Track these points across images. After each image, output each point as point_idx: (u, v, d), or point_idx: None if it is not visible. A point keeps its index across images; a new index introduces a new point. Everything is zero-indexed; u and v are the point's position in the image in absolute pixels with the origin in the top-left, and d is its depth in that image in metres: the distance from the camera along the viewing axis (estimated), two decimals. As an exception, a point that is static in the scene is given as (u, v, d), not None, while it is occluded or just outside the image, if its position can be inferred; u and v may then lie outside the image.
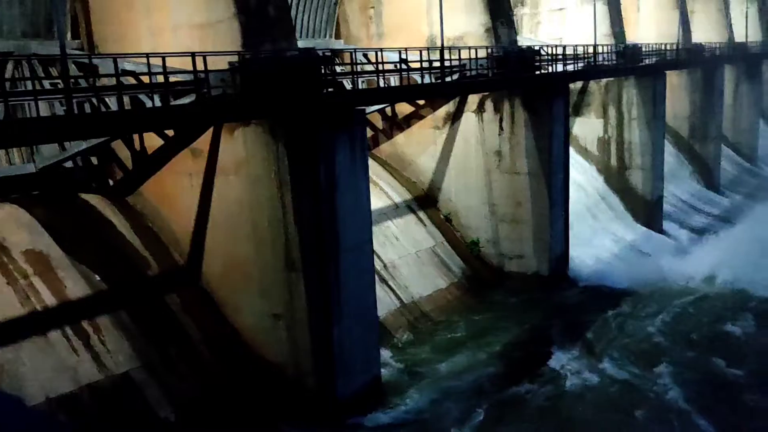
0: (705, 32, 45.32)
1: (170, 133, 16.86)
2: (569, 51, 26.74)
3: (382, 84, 19.58)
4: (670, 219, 34.03)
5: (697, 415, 15.79)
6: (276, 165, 15.36)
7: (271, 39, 16.06)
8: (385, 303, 20.63)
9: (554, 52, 25.98)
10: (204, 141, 16.44)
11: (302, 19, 24.90)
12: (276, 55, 15.60)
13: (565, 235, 25.33)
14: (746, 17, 51.45)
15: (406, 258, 23.12)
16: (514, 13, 31.85)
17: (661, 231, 32.40)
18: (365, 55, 22.10)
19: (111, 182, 18.28)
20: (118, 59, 13.43)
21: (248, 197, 15.92)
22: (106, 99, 13.87)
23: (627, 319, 21.96)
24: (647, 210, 32.32)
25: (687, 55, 38.15)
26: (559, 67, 26.32)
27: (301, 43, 21.02)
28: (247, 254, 16.22)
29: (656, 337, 20.42)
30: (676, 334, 20.57)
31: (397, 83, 20.38)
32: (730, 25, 47.65)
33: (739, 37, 49.06)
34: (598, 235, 29.37)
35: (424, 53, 21.00)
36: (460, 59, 21.94)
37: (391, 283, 21.87)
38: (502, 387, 17.50)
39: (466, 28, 24.48)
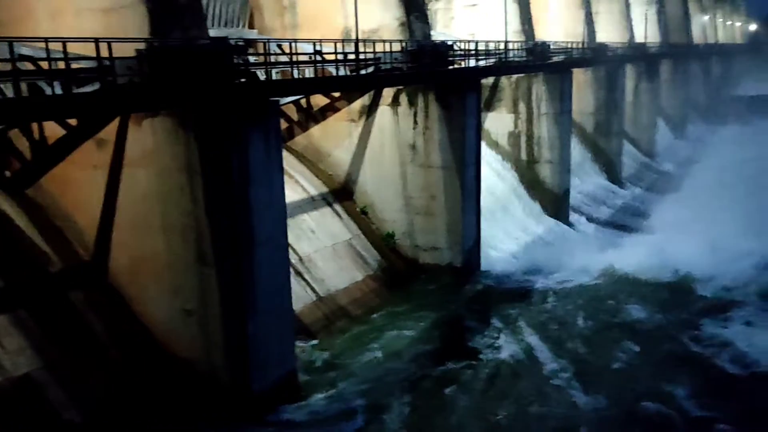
0: (608, 32, 47.57)
1: (73, 122, 16.14)
2: (481, 47, 27.36)
3: (296, 75, 19.43)
4: (576, 211, 35.56)
5: (575, 386, 17.18)
6: (187, 156, 15.01)
7: (181, 27, 15.63)
8: (300, 297, 20.55)
9: (467, 48, 26.51)
10: (110, 131, 15.85)
11: (214, 8, 24.32)
12: (186, 44, 15.21)
13: (477, 228, 25.97)
14: (646, 19, 54.41)
15: (322, 251, 23.09)
16: (429, 7, 32.31)
17: (568, 223, 33.79)
18: (279, 46, 21.85)
19: (8, 174, 17.31)
20: (14, 43, 12.70)
21: (157, 189, 15.48)
22: (2, 86, 13.11)
23: (532, 306, 22.93)
24: (555, 202, 33.65)
25: (592, 54, 39.92)
26: (472, 63, 26.90)
27: (213, 32, 20.56)
28: (156, 248, 15.79)
29: (554, 323, 21.46)
30: (573, 318, 21.81)
31: (312, 75, 20.28)
32: (631, 26, 50.20)
33: (639, 38, 51.80)
34: (509, 227, 30.27)
35: (339, 45, 20.97)
36: (374, 52, 22.06)
37: (307, 276, 21.79)
38: (418, 375, 17.85)
39: (381, 21, 24.62)
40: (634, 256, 25.91)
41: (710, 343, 19.55)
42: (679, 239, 25.86)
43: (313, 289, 21.63)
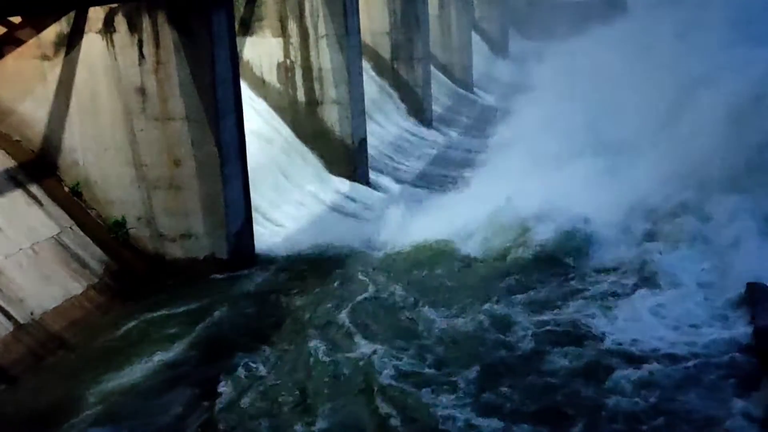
0: None
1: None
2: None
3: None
4: (377, 167, 37.13)
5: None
6: None
7: None
8: (-11, 328, 19.35)
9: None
10: None
11: None
12: None
13: (245, 201, 26.11)
14: None
15: (16, 256, 21.84)
16: None
17: (367, 183, 35.27)
18: None
19: None
20: None
21: None
22: None
23: (328, 299, 23.63)
24: (348, 158, 34.80)
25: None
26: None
27: None
28: None
29: (358, 320, 22.25)
30: (377, 311, 22.82)
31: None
32: None
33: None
34: (289, 197, 30.88)
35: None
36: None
37: (-5, 296, 20.54)
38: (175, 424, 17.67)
39: None
40: (450, 222, 27.61)
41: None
42: (504, 197, 27.90)
43: (7, 314, 20.46)
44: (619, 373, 18.51)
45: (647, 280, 23.43)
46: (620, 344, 20.05)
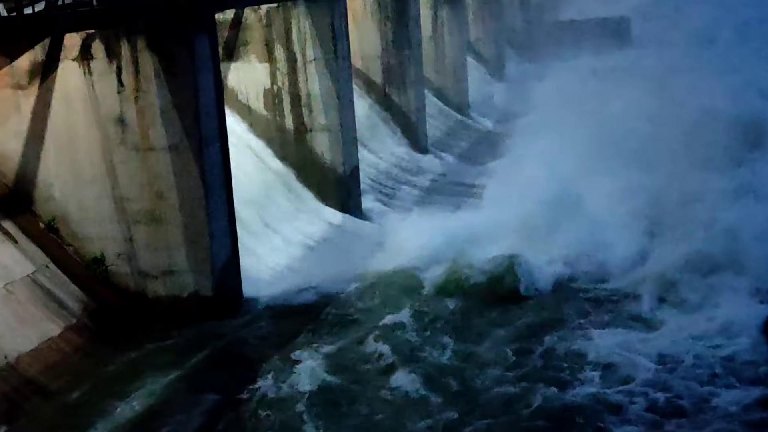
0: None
1: None
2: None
3: None
4: (370, 196, 37.26)
5: None
6: None
7: None
8: (-40, 374, 19.41)
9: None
10: None
11: None
12: None
13: (231, 235, 26.23)
14: None
15: (-11, 297, 21.89)
16: None
17: (360, 214, 35.34)
18: None
19: None
20: None
21: None
22: None
23: (328, 337, 23.77)
24: (340, 187, 34.96)
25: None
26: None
27: None
28: None
29: (351, 372, 22.06)
30: (398, 355, 22.57)
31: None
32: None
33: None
34: (278, 230, 30.90)
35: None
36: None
37: (-33, 340, 20.53)
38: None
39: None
40: (444, 248, 28.08)
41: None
42: (504, 227, 28.21)
43: (-21, 358, 20.48)
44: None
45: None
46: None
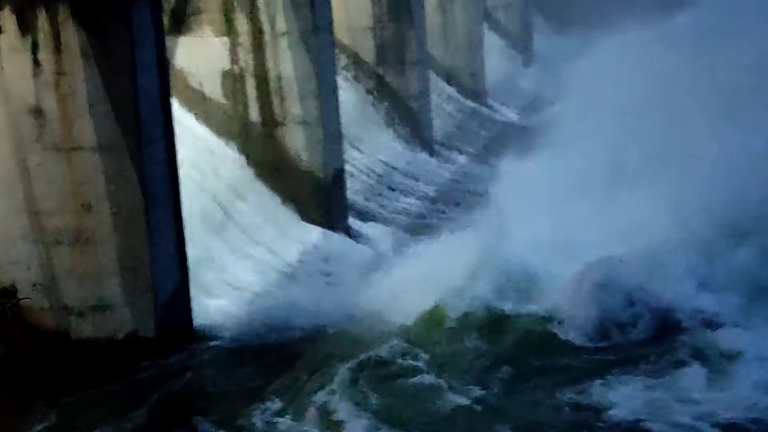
0: None
1: None
2: None
3: None
4: (357, 209, 37.51)
5: None
6: None
7: None
8: None
9: None
10: None
11: None
12: None
13: (180, 259, 26.46)
14: None
15: None
16: None
17: (346, 231, 35.60)
18: None
19: None
20: None
21: None
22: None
23: (295, 388, 24.02)
24: (320, 197, 35.14)
25: None
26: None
27: None
28: None
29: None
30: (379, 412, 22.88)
31: None
32: None
33: None
34: (240, 252, 31.20)
35: None
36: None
37: None
38: None
39: None
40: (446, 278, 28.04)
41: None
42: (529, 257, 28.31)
43: None
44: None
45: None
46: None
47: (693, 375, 23.46)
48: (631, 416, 21.79)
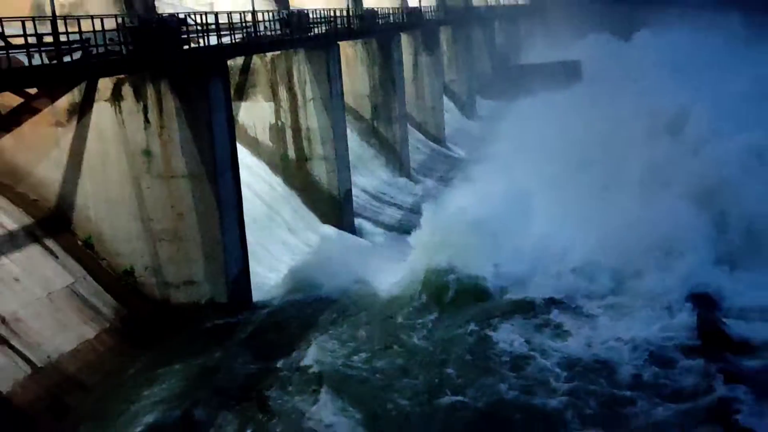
0: (376, -4, 50.15)
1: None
2: (223, 20, 27.34)
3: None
4: (361, 215, 37.09)
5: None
6: None
7: None
8: (8, 371, 19.19)
9: (205, 21, 26.30)
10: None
11: None
12: None
13: (242, 249, 26.13)
14: (417, -21, 58.11)
15: (33, 305, 21.67)
16: (150, -29, 31.45)
17: (353, 230, 35.18)
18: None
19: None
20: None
21: None
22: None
23: (323, 332, 23.83)
24: (335, 207, 34.88)
25: (359, 23, 41.75)
26: (213, 40, 26.73)
27: None
28: None
29: (357, 355, 22.37)
30: (372, 345, 22.96)
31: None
32: (403, -12, 53.51)
33: (412, 1, 55.15)
34: (282, 244, 30.87)
35: (30, 25, 19.55)
36: (81, 33, 20.99)
37: (15, 342, 20.23)
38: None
39: (83, -9, 23.68)
40: (420, 259, 27.93)
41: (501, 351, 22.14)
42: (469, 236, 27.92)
43: (26, 358, 20.19)
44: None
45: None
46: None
47: (555, 322, 23.78)
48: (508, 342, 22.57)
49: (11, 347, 20.02)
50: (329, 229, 33.82)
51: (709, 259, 26.37)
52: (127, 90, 24.13)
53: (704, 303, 24.10)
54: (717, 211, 28.21)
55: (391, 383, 20.71)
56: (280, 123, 34.52)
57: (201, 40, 25.88)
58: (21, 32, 19.21)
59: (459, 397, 19.71)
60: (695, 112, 38.42)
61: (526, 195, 29.59)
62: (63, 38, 20.32)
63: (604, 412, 18.83)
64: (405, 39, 50.00)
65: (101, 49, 21.60)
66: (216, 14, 27.42)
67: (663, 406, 18.78)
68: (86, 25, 21.17)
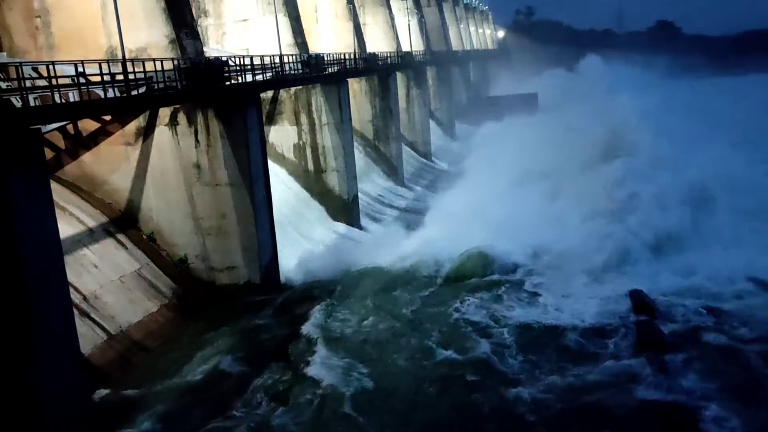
0: (377, 42, 50.45)
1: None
2: (257, 61, 27.57)
3: (57, 100, 18.06)
4: (365, 215, 37.07)
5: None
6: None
7: None
8: (89, 338, 19.26)
9: (242, 63, 26.55)
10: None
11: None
12: None
13: (272, 241, 26.14)
14: (409, 29, 58.43)
15: (108, 286, 21.75)
16: (199, 23, 31.76)
17: (359, 226, 35.17)
18: (35, 69, 20.13)
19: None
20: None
21: None
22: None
23: (336, 305, 24.02)
24: (345, 209, 34.86)
25: (364, 64, 41.93)
26: (248, 77, 26.97)
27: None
28: None
29: (363, 322, 22.56)
30: (378, 313, 23.21)
31: (77, 98, 18.97)
32: (397, 36, 53.67)
33: (405, 46, 55.41)
34: (303, 238, 30.78)
35: (105, 66, 19.86)
36: (145, 72, 21.24)
37: (94, 315, 20.36)
38: (228, 397, 17.79)
39: (148, 39, 23.79)
40: (412, 249, 28.41)
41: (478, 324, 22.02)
42: (452, 231, 28.43)
43: (103, 328, 20.31)
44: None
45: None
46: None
47: (508, 298, 23.91)
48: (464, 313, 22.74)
49: (91, 319, 20.19)
50: (340, 226, 33.85)
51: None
52: (181, 117, 24.25)
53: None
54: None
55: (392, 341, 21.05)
56: (301, 142, 34.52)
57: (240, 78, 26.10)
58: (98, 71, 19.60)
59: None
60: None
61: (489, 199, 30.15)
62: (131, 76, 20.57)
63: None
64: (399, 76, 50.09)
65: (161, 85, 21.81)
66: (251, 57, 27.56)
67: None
68: (149, 66, 21.42)
